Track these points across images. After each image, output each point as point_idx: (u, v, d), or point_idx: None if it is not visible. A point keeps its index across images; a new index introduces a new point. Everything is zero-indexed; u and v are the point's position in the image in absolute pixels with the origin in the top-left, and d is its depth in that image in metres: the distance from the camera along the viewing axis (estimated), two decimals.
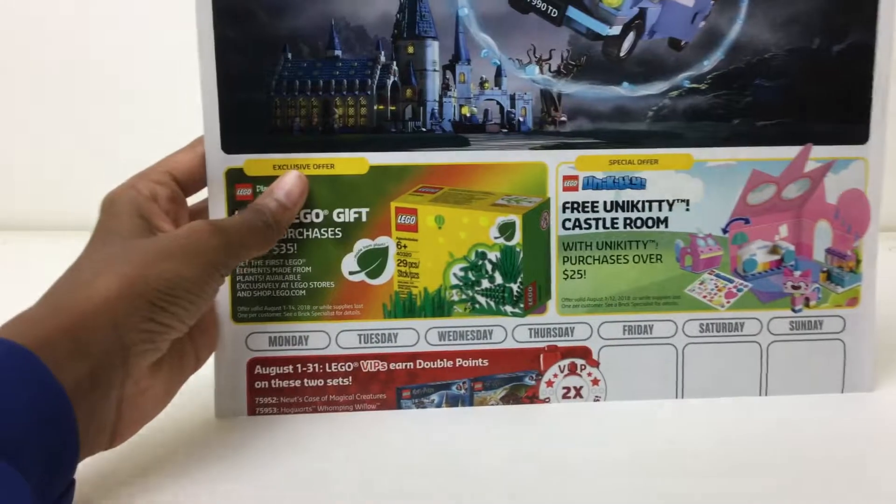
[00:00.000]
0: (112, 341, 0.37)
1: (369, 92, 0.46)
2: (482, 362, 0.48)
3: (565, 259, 0.48)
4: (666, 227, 0.48)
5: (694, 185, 0.48)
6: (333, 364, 0.48)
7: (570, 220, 0.48)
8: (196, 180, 0.46)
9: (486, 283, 0.48)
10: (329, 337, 0.48)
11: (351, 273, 0.48)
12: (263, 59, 0.45)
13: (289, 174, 0.46)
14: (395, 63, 0.46)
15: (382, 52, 0.46)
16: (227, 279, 0.47)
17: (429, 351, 0.48)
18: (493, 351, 0.48)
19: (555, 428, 0.47)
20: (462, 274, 0.48)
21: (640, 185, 0.48)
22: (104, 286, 0.38)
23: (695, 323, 0.49)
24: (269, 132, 0.46)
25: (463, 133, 0.47)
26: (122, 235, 0.41)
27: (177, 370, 0.43)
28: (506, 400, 0.49)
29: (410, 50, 0.46)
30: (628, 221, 0.48)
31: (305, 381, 0.48)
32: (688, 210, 0.48)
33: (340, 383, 0.48)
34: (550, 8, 0.45)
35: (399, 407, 0.48)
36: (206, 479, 0.42)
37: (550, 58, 0.46)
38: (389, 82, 0.46)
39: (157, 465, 0.43)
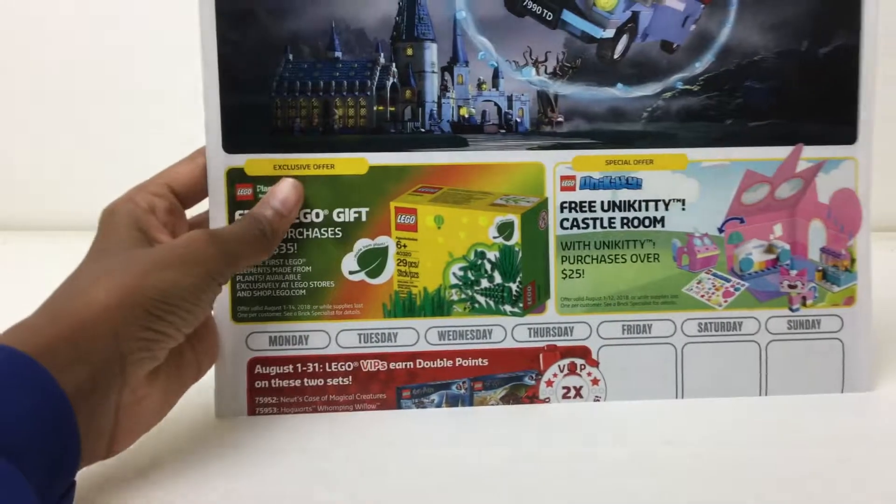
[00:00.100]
0: (110, 349, 0.37)
1: (369, 93, 0.47)
2: (482, 362, 0.48)
3: (564, 258, 0.49)
4: (662, 226, 0.49)
5: (689, 185, 0.49)
6: (333, 364, 0.48)
7: (567, 219, 0.48)
8: (195, 192, 0.47)
9: (485, 283, 0.48)
10: (329, 336, 0.48)
11: (351, 273, 0.48)
12: (265, 60, 0.46)
13: (284, 182, 0.46)
14: (394, 65, 0.47)
15: (382, 54, 0.47)
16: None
17: (429, 350, 0.48)
18: (492, 350, 0.48)
19: (555, 428, 0.47)
20: (461, 273, 0.48)
21: (636, 185, 0.48)
22: (102, 295, 0.38)
23: (693, 322, 0.49)
24: (270, 132, 0.47)
25: (461, 134, 0.48)
26: (120, 247, 0.42)
27: (176, 379, 0.43)
28: (506, 400, 0.49)
29: (409, 52, 0.47)
30: (625, 221, 0.49)
31: (305, 380, 0.48)
32: (684, 210, 0.49)
33: (340, 383, 0.48)
34: (545, 11, 0.47)
35: (399, 407, 0.48)
36: (206, 479, 0.41)
37: (546, 60, 0.47)
38: (389, 83, 0.47)
39: (157, 464, 0.42)
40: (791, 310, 0.49)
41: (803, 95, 0.48)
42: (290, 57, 0.46)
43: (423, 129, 0.48)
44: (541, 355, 0.49)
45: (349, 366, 0.48)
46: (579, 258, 0.49)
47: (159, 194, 0.45)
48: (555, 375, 0.49)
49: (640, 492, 0.40)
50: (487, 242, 0.48)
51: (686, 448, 0.44)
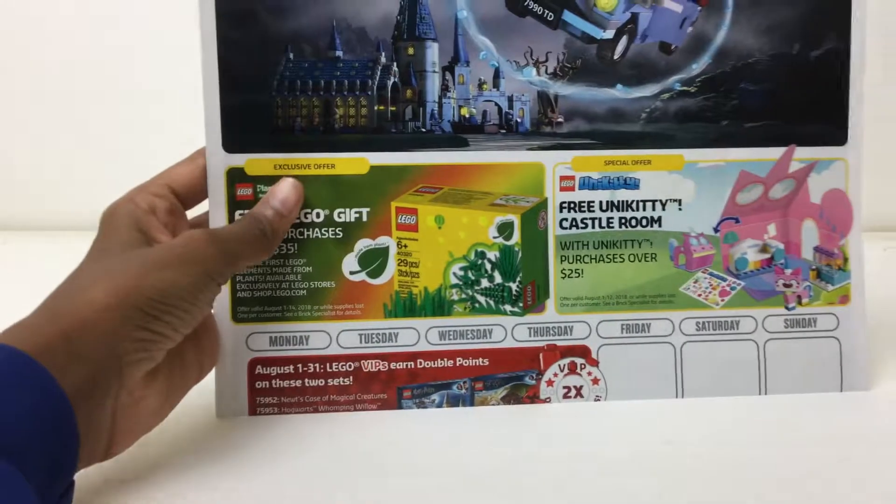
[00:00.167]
0: (107, 350, 0.37)
1: (370, 92, 0.47)
2: (482, 361, 0.48)
3: (563, 258, 0.49)
4: (660, 226, 0.49)
5: (686, 186, 0.49)
6: (334, 364, 0.48)
7: (567, 219, 0.49)
8: (195, 193, 0.47)
9: (485, 283, 0.48)
10: (330, 337, 0.47)
11: (351, 273, 0.48)
12: (265, 59, 0.46)
13: (284, 182, 0.46)
14: (395, 64, 0.47)
15: (383, 54, 0.47)
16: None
17: (429, 350, 0.48)
18: (493, 350, 0.48)
19: (556, 428, 0.47)
20: (462, 273, 0.48)
21: (634, 185, 0.49)
22: (99, 295, 0.38)
23: (691, 321, 0.49)
24: (271, 132, 0.46)
25: (462, 133, 0.48)
26: (119, 247, 0.41)
27: (177, 381, 0.43)
28: (506, 400, 0.49)
29: (410, 51, 0.47)
30: (623, 221, 0.49)
31: (306, 380, 0.47)
32: (680, 210, 0.49)
33: (341, 383, 0.48)
34: (546, 12, 0.47)
35: (400, 407, 0.48)
36: (207, 479, 0.41)
37: (547, 60, 0.48)
38: (390, 83, 0.47)
39: (157, 464, 0.42)
40: (787, 308, 0.50)
41: (796, 97, 0.49)
42: (291, 56, 0.46)
43: (423, 129, 0.48)
44: (541, 355, 0.49)
45: (350, 366, 0.48)
46: (578, 258, 0.49)
47: (160, 195, 0.45)
48: (555, 375, 0.49)
49: (641, 491, 0.40)
50: (487, 242, 0.48)
51: (686, 447, 0.44)
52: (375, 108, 0.47)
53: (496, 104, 0.48)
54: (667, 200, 0.49)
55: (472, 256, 0.48)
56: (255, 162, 0.46)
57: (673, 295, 0.49)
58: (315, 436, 0.45)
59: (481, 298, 0.48)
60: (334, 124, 0.47)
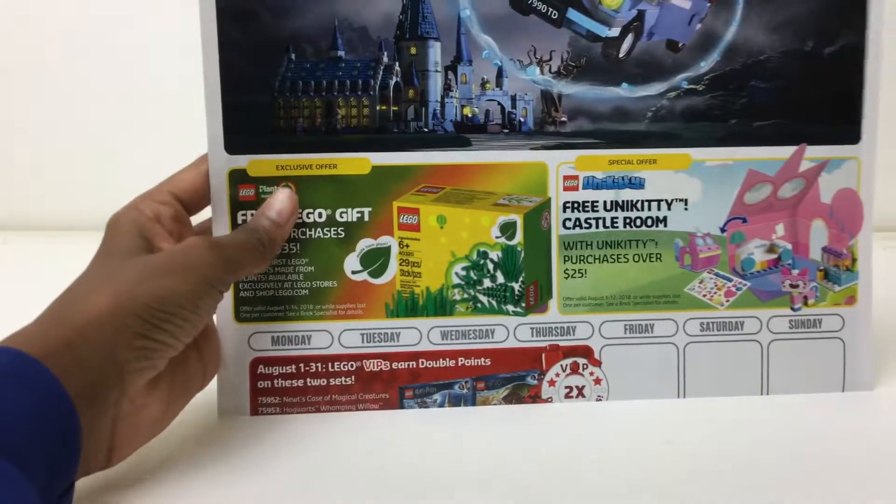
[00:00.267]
0: (106, 357, 0.37)
1: (372, 92, 0.47)
2: (484, 361, 0.48)
3: (566, 258, 0.49)
4: (665, 226, 0.49)
5: (692, 185, 0.48)
6: (336, 363, 0.48)
7: (570, 219, 0.48)
8: (199, 199, 0.47)
9: (487, 283, 0.48)
10: (332, 336, 0.48)
11: (353, 272, 0.48)
12: (267, 59, 0.46)
13: (280, 192, 0.46)
14: (397, 64, 0.47)
15: (385, 53, 0.47)
16: None
17: (431, 350, 0.48)
18: (495, 350, 0.48)
19: (557, 428, 0.47)
20: (464, 273, 0.48)
21: (639, 184, 0.48)
22: (95, 303, 0.38)
23: (695, 322, 0.49)
24: (273, 133, 0.46)
25: (464, 133, 0.47)
26: (122, 255, 0.42)
27: (179, 389, 0.43)
28: (508, 399, 0.49)
29: (413, 51, 0.47)
30: (628, 221, 0.49)
31: (308, 380, 0.48)
32: (686, 209, 0.49)
33: (343, 383, 0.48)
34: (551, 10, 0.46)
35: (402, 406, 0.48)
36: (208, 479, 0.41)
37: (551, 59, 0.47)
38: (392, 83, 0.47)
39: (159, 464, 0.42)
40: (793, 309, 0.50)
41: (808, 95, 0.48)
42: (293, 56, 0.46)
43: (426, 129, 0.47)
44: (543, 355, 0.49)
45: (352, 366, 0.48)
46: (581, 258, 0.49)
47: (164, 202, 0.45)
48: (557, 375, 0.49)
49: (642, 491, 0.40)
50: (490, 242, 0.48)
51: (687, 447, 0.44)
52: (377, 108, 0.47)
53: (499, 103, 0.47)
54: (672, 200, 0.49)
55: (475, 256, 0.48)
56: (258, 163, 0.46)
57: (677, 295, 0.49)
58: (317, 436, 0.46)
59: (483, 298, 0.48)
60: (336, 125, 0.47)
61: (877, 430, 0.46)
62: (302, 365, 0.48)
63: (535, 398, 0.49)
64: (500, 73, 0.47)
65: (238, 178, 0.46)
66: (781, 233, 0.50)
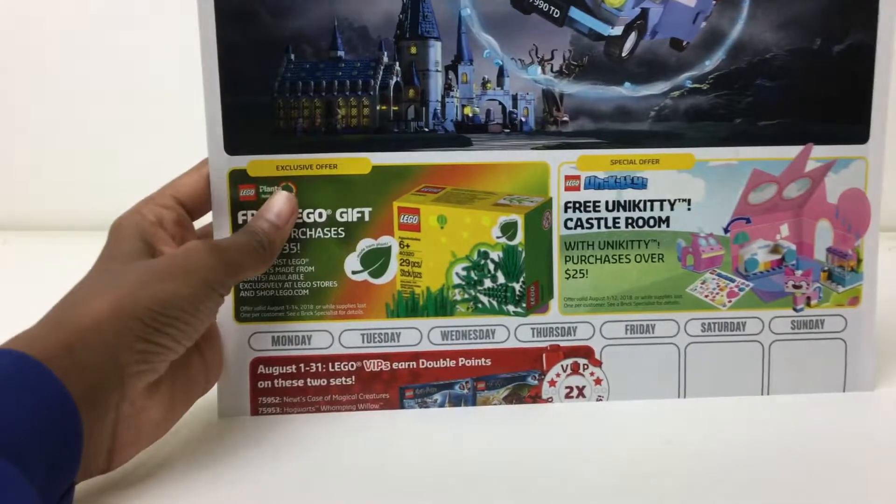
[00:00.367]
0: (106, 360, 0.37)
1: (372, 92, 0.47)
2: (485, 362, 0.49)
3: (567, 259, 0.48)
4: (667, 226, 0.48)
5: (695, 185, 0.48)
6: (336, 364, 0.48)
7: (571, 219, 0.48)
8: (202, 203, 0.47)
9: (488, 283, 0.48)
10: (332, 336, 0.48)
11: (354, 272, 0.48)
12: (266, 60, 0.45)
13: (278, 195, 0.46)
14: (397, 63, 0.46)
15: (385, 53, 0.46)
16: None
17: (431, 350, 0.48)
18: (495, 350, 0.48)
19: (558, 428, 0.47)
20: (464, 273, 0.48)
21: (641, 184, 0.48)
22: (96, 307, 0.38)
23: (697, 322, 0.49)
24: (273, 133, 0.46)
25: (465, 133, 0.47)
26: (123, 259, 0.42)
27: (181, 393, 0.43)
28: (508, 400, 0.49)
29: (413, 50, 0.46)
30: (630, 221, 0.48)
31: (308, 380, 0.48)
32: (689, 209, 0.48)
33: (343, 383, 0.48)
34: (552, 8, 0.46)
35: (402, 407, 0.49)
36: (209, 479, 0.42)
37: (552, 58, 0.46)
38: (392, 83, 0.47)
39: (159, 464, 0.43)
40: (795, 310, 0.49)
41: (815, 94, 0.47)
42: (293, 56, 0.46)
43: (426, 129, 0.47)
44: (544, 355, 0.49)
45: (352, 366, 0.48)
46: (583, 258, 0.48)
47: (167, 206, 0.45)
48: (558, 375, 0.49)
49: (643, 492, 0.41)
50: (491, 242, 0.48)
51: (688, 448, 0.44)
52: (378, 108, 0.47)
53: (500, 103, 0.47)
54: (675, 200, 0.48)
55: (475, 256, 0.48)
56: (258, 163, 0.46)
57: (679, 296, 0.49)
58: (317, 436, 0.46)
59: (484, 299, 0.48)
60: (336, 125, 0.47)
61: (877, 430, 0.46)
62: (302, 365, 0.48)
63: (536, 398, 0.49)
64: (501, 73, 0.47)
65: (238, 178, 0.46)
66: (786, 233, 0.49)
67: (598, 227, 0.48)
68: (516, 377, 0.49)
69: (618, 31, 0.46)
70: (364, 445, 0.45)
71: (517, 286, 0.48)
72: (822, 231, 0.49)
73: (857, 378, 0.50)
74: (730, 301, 0.49)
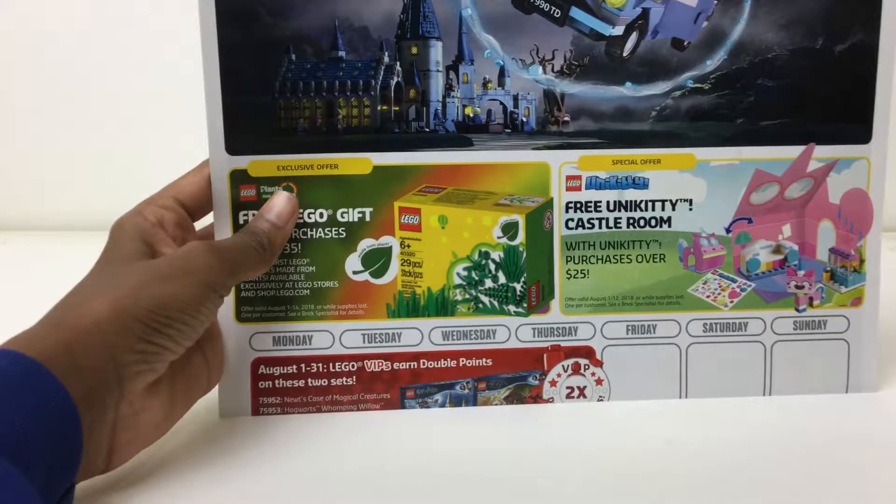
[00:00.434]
0: (105, 361, 0.38)
1: (373, 92, 0.47)
2: (486, 362, 0.48)
3: (568, 259, 0.48)
4: (669, 226, 0.48)
5: (697, 185, 0.48)
6: (337, 364, 0.48)
7: (573, 219, 0.48)
8: (203, 204, 0.47)
9: (489, 283, 0.48)
10: (333, 336, 0.48)
11: (355, 273, 0.48)
12: (267, 60, 0.45)
13: (279, 195, 0.46)
14: (398, 63, 0.46)
15: (386, 53, 0.46)
16: None
17: (432, 350, 0.48)
18: (496, 350, 0.48)
19: (559, 428, 0.47)
20: (465, 273, 0.48)
21: (642, 184, 0.48)
22: (96, 308, 0.38)
23: (698, 323, 0.49)
24: (273, 133, 0.46)
25: (466, 133, 0.47)
26: (124, 260, 0.42)
27: (181, 394, 0.43)
28: (509, 400, 0.49)
29: (414, 50, 0.46)
30: (631, 221, 0.48)
31: (309, 380, 0.48)
32: (691, 210, 0.48)
33: (344, 383, 0.48)
34: (553, 8, 0.46)
35: (403, 407, 0.49)
36: (210, 479, 0.42)
37: (553, 58, 0.46)
38: (393, 83, 0.47)
39: (160, 464, 0.43)
40: (797, 310, 0.49)
41: (817, 94, 0.47)
42: (293, 57, 0.46)
43: (427, 129, 0.47)
44: (545, 355, 0.49)
45: (353, 366, 0.48)
46: (584, 258, 0.48)
47: (168, 207, 0.45)
48: (559, 375, 0.49)
49: (644, 492, 0.40)
50: (492, 242, 0.48)
51: (689, 448, 0.44)
52: (378, 108, 0.47)
53: (501, 103, 0.47)
54: (677, 200, 0.48)
55: (476, 257, 0.48)
56: (259, 163, 0.46)
57: (681, 296, 0.49)
58: (318, 436, 0.46)
59: (485, 299, 0.48)
60: (337, 125, 0.47)
61: (880, 431, 0.46)
62: (303, 365, 0.48)
63: (537, 398, 0.49)
64: (502, 73, 0.46)
65: (239, 178, 0.46)
66: (788, 233, 0.49)
67: (600, 227, 0.48)
68: (517, 377, 0.49)
69: (619, 30, 0.46)
70: (365, 446, 0.45)
71: (518, 286, 0.48)
72: (825, 231, 0.49)
73: (860, 379, 0.49)
74: (731, 301, 0.49)
